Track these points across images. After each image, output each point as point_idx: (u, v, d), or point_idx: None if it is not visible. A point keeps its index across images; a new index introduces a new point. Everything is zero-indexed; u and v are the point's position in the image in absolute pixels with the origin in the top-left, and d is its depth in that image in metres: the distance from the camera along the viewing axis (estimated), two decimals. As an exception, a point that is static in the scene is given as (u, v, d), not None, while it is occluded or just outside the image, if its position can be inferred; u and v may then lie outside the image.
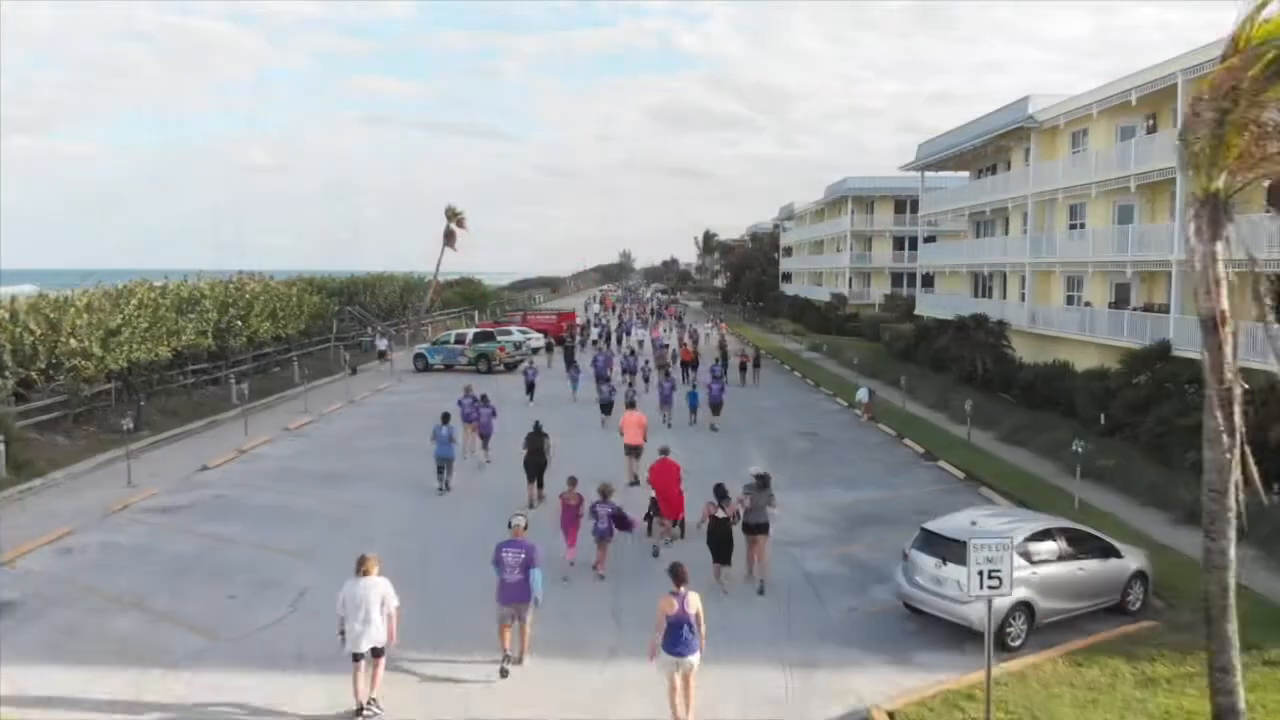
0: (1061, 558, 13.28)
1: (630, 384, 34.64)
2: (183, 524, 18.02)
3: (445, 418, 21.23)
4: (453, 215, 55.17)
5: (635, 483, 20.61)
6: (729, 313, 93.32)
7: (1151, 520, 18.71)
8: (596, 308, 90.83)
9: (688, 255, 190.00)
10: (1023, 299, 41.64)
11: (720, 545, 15.00)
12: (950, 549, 12.70)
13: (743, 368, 42.32)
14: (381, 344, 40.52)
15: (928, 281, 67.67)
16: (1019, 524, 13.59)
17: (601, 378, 34.90)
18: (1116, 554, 14.00)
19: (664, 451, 17.70)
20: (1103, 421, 28.43)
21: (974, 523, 13.31)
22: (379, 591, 10.92)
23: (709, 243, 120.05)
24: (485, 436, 23.61)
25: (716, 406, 29.71)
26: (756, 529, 15.27)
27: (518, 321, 53.34)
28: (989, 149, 44.87)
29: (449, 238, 55.21)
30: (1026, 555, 12.82)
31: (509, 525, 12.33)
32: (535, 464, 19.82)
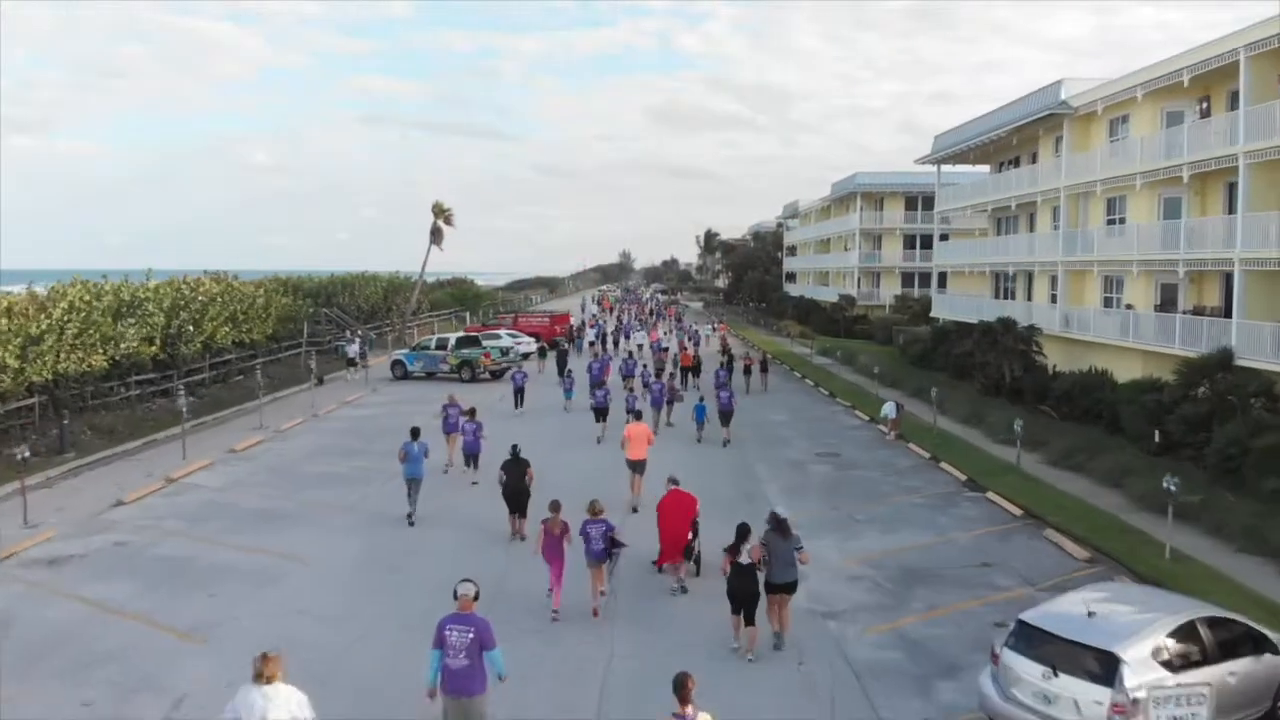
0: (1208, 659, 9.60)
1: (630, 390, 31.18)
2: (66, 583, 14.35)
3: (415, 433, 18.13)
4: (440, 212, 51.50)
5: (632, 507, 18.52)
6: (731, 314, 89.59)
7: (1257, 572, 15.06)
8: (594, 308, 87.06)
9: (688, 255, 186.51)
10: (1053, 301, 38.03)
11: (745, 598, 11.79)
12: (1065, 655, 9.06)
13: (748, 371, 38.81)
14: (351, 350, 36.70)
15: (943, 282, 64.12)
16: (1151, 615, 9.84)
17: (597, 384, 31.42)
18: (1270, 646, 10.33)
19: (674, 482, 14.98)
20: (1157, 439, 24.90)
21: (1091, 612, 9.62)
22: (286, 708, 7.55)
23: (710, 242, 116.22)
24: (472, 456, 20.94)
25: (726, 416, 26.36)
26: (780, 588, 12.02)
27: (507, 325, 49.55)
28: (1015, 139, 41.15)
29: (436, 235, 51.54)
30: (1168, 663, 9.17)
31: (454, 595, 9.04)
32: (516, 493, 16.75)
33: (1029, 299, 41.49)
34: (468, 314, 66.67)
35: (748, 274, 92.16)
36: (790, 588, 12.18)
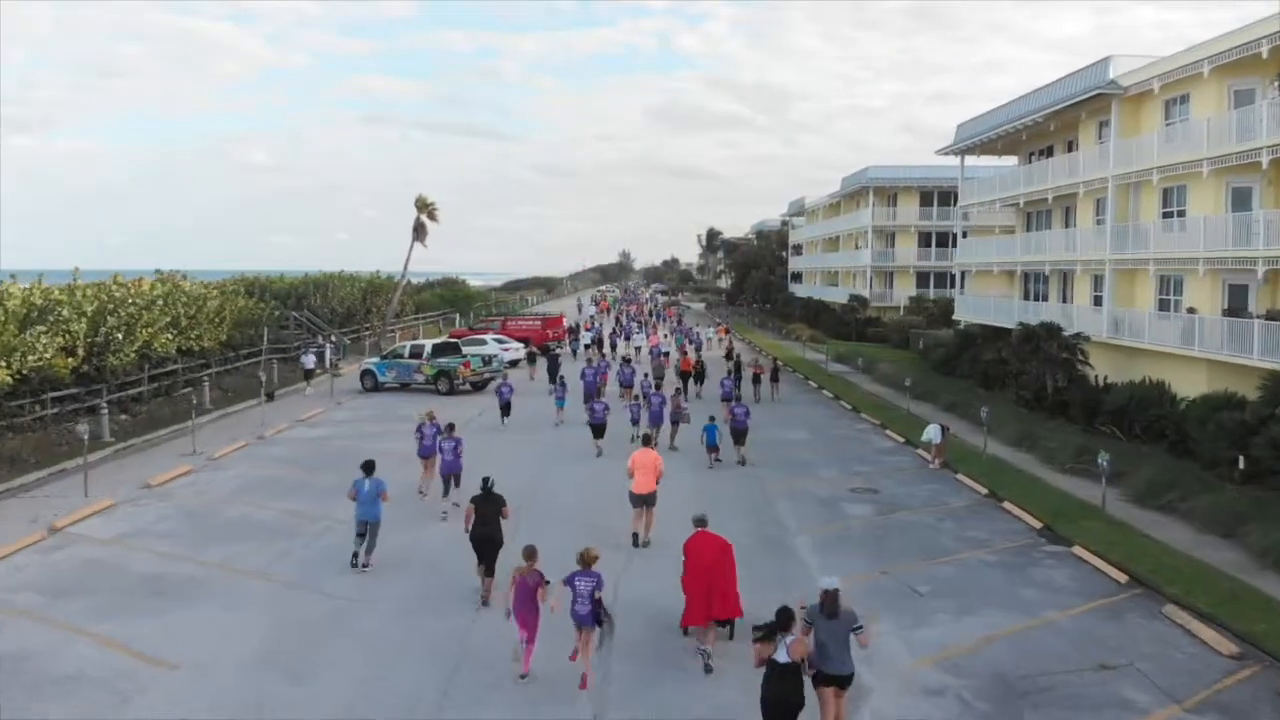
0: None
1: (635, 399, 27.41)
2: None
3: (368, 467, 14.83)
4: (423, 206, 47.33)
5: (640, 543, 16.06)
6: (735, 315, 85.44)
7: None
8: (592, 309, 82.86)
9: (688, 255, 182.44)
10: (1097, 303, 33.98)
11: (784, 709, 8.56)
12: None
13: (757, 380, 34.87)
14: (308, 360, 32.39)
15: (962, 283, 60.15)
16: None
17: (592, 394, 27.74)
18: None
19: (700, 523, 12.30)
20: (1241, 466, 20.86)
21: None
22: None
23: (712, 240, 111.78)
24: (449, 478, 18.08)
25: (740, 435, 22.66)
26: (833, 680, 8.92)
27: (495, 329, 45.37)
28: (1053, 125, 37.00)
29: (419, 231, 47.39)
30: None
31: None
32: (486, 539, 13.24)
33: (1066, 300, 37.45)
34: (457, 316, 62.52)
35: (752, 274, 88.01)
36: (845, 680, 8.90)
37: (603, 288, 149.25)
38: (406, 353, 33.01)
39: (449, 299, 66.46)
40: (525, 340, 43.44)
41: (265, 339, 33.39)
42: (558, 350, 39.85)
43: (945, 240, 62.26)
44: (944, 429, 22.24)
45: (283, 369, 35.29)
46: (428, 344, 33.36)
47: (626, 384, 33.14)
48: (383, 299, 48.77)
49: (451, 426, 18.71)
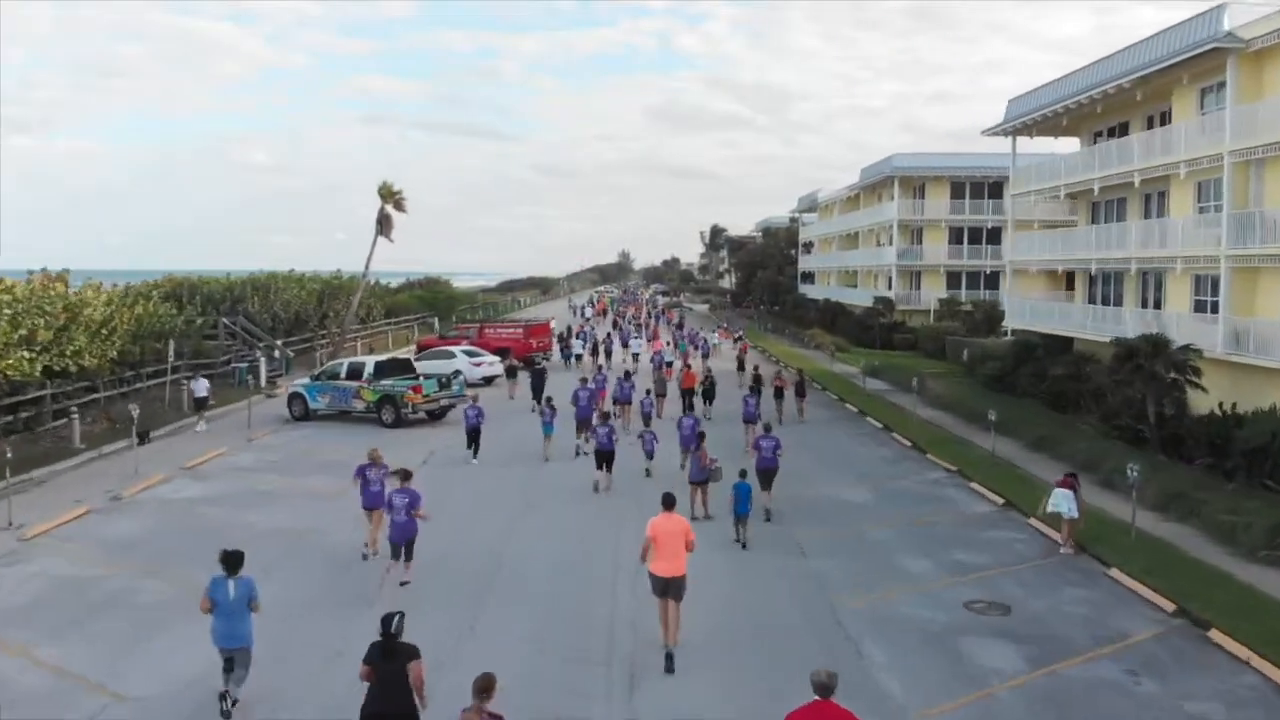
0: None
1: (647, 431, 21.38)
2: None
3: (233, 562, 9.47)
4: (388, 194, 40.29)
5: (670, 668, 10.44)
6: (740, 318, 78.43)
7: None
8: (589, 310, 75.74)
9: (689, 255, 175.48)
10: (1201, 309, 27.27)
11: None
12: None
13: (779, 394, 28.57)
14: (200, 388, 24.94)
15: (994, 283, 53.39)
16: None
17: (587, 419, 22.64)
18: None
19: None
20: None
21: None
22: None
23: (716, 238, 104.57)
24: (399, 546, 13.36)
25: (769, 476, 16.84)
26: None
27: (471, 337, 38.24)
28: (1139, 94, 29.96)
29: (384, 224, 40.35)
30: None
31: None
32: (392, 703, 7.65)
33: (1147, 305, 30.70)
34: (436, 320, 55.51)
35: (758, 273, 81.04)
36: None
37: (600, 288, 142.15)
38: (344, 372, 25.79)
39: (429, 301, 59.45)
40: (504, 351, 36.47)
41: (171, 353, 26.28)
42: (543, 363, 32.94)
43: (978, 236, 55.35)
44: (1076, 495, 15.17)
45: (209, 386, 28.31)
46: (369, 361, 26.22)
47: (622, 400, 26.85)
48: (342, 302, 41.78)
49: (406, 475, 13.55)
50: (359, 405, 25.19)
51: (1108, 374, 26.54)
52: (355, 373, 25.46)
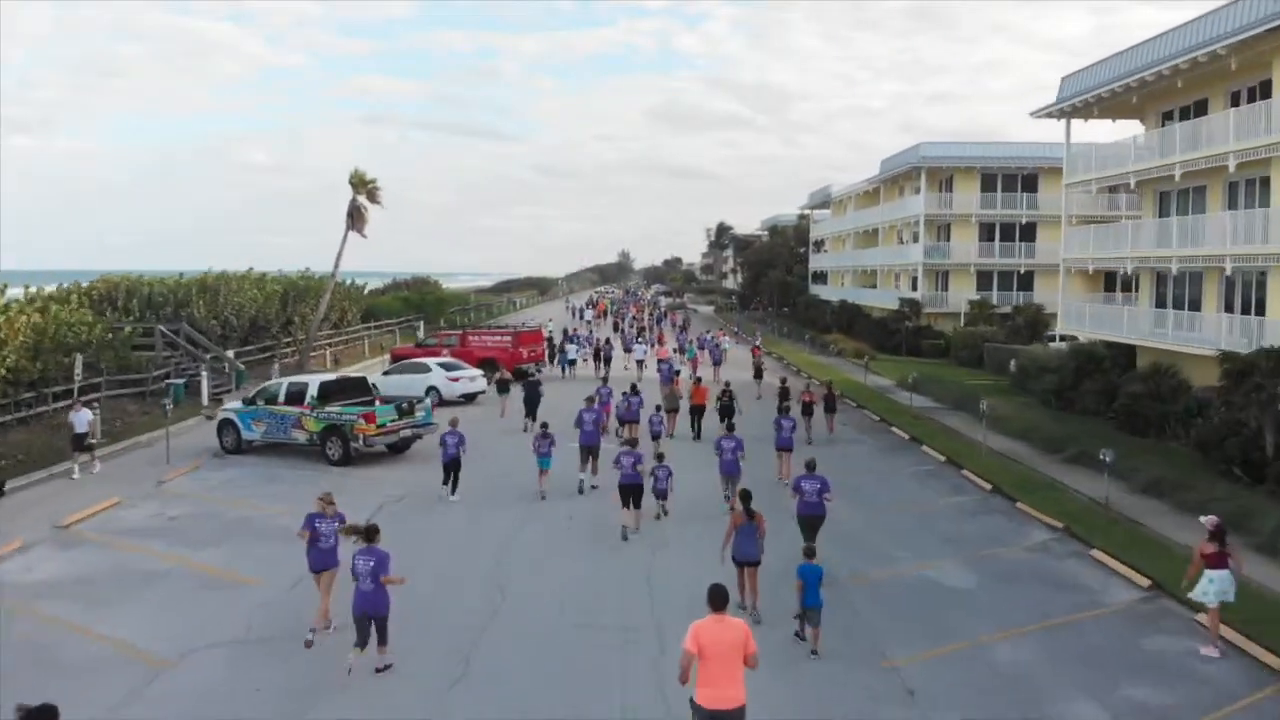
0: None
1: (660, 467, 16.59)
2: None
3: None
4: (360, 184, 35.29)
5: None
6: (748, 321, 73.47)
7: None
8: (589, 312, 70.68)
9: (691, 255, 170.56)
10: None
11: None
12: None
13: (807, 410, 24.07)
14: (81, 420, 18.97)
15: (1028, 283, 48.69)
16: None
17: (591, 449, 18.76)
18: None
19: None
20: None
21: None
22: None
23: (721, 236, 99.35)
24: (366, 622, 9.92)
25: (813, 525, 13.57)
26: None
27: (450, 347, 33.09)
28: (1234, 62, 24.98)
29: (355, 217, 35.34)
30: None
31: None
32: None
33: (1239, 310, 25.85)
34: (421, 324, 50.48)
35: (767, 273, 76.06)
36: None
37: (600, 288, 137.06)
38: (283, 395, 20.55)
39: (414, 303, 54.40)
40: (489, 362, 31.44)
41: (79, 370, 21.20)
42: (537, 374, 27.99)
43: (1010, 233, 50.40)
44: (1231, 576, 10.18)
45: (133, 405, 23.36)
46: (312, 382, 21.07)
47: (629, 418, 22.68)
48: (310, 305, 36.74)
49: (370, 533, 10.25)
50: (300, 436, 20.07)
51: (1219, 395, 21.61)
52: (296, 396, 20.31)
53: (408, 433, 20.02)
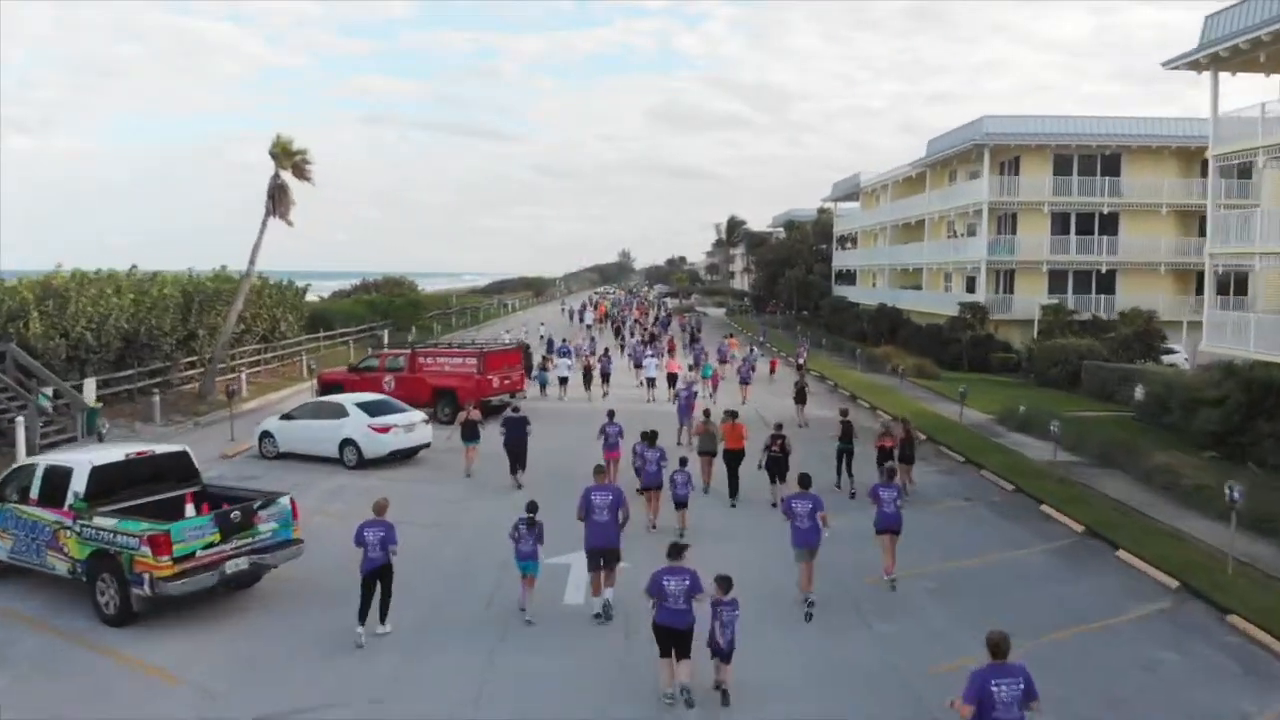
0: None
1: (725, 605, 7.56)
2: None
3: None
4: (285, 152, 26.41)
5: None
6: (767, 327, 64.57)
7: None
8: (589, 315, 61.51)
9: (694, 255, 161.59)
10: None
11: None
12: None
13: (884, 456, 17.28)
14: None
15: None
16: None
17: (609, 554, 11.44)
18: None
19: None
20: None
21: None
22: None
23: (733, 233, 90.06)
24: None
25: None
26: None
27: (396, 371, 23.94)
28: None
29: (277, 197, 26.49)
30: None
31: None
32: None
33: None
34: (386, 334, 41.48)
35: (786, 273, 67.12)
36: None
37: (600, 289, 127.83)
38: (35, 486, 11.49)
39: (381, 306, 45.40)
40: (447, 393, 22.56)
41: None
42: (516, 414, 19.16)
43: (1088, 224, 41.56)
44: None
45: None
46: (80, 464, 11.51)
47: (650, 483, 15.26)
48: (217, 313, 27.59)
49: None
50: (59, 565, 10.97)
51: None
52: (51, 490, 11.30)
53: (244, 565, 10.76)
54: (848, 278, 65.25)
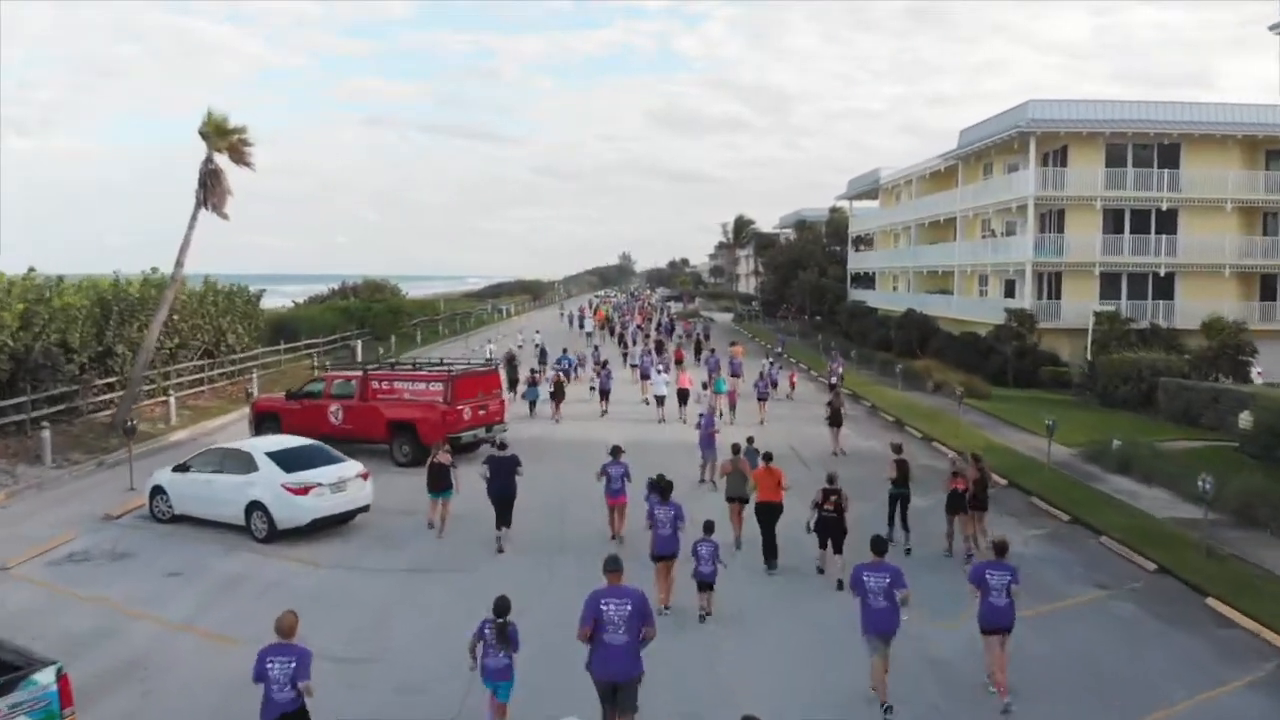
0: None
1: None
2: None
3: None
4: (219, 133, 21.71)
5: None
6: (780, 334, 59.89)
7: None
8: (588, 323, 56.61)
9: (696, 257, 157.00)
10: None
11: None
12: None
13: (956, 502, 14.07)
14: None
15: (1055, 289, 35.67)
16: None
17: (627, 687, 7.49)
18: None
19: None
20: None
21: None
22: None
23: (741, 233, 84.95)
24: None
25: None
26: None
27: (345, 399, 19.05)
28: None
29: (210, 185, 21.79)
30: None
31: None
32: None
33: None
34: (359, 346, 36.73)
35: (798, 275, 62.37)
36: None
37: (600, 292, 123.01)
38: None
39: (358, 314, 40.65)
40: (406, 427, 17.87)
41: None
42: (502, 442, 14.76)
43: (1144, 222, 36.87)
44: None
45: None
46: None
47: (663, 550, 11.47)
48: (135, 324, 22.78)
49: None
50: None
51: None
52: None
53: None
54: (864, 280, 60.57)
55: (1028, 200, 36.66)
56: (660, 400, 26.99)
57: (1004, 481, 17.89)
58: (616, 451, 14.44)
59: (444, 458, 14.23)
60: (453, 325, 54.64)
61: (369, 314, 40.92)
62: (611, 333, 54.56)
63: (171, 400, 22.22)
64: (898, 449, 15.33)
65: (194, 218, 21.77)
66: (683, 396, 27.00)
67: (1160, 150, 36.92)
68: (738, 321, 70.44)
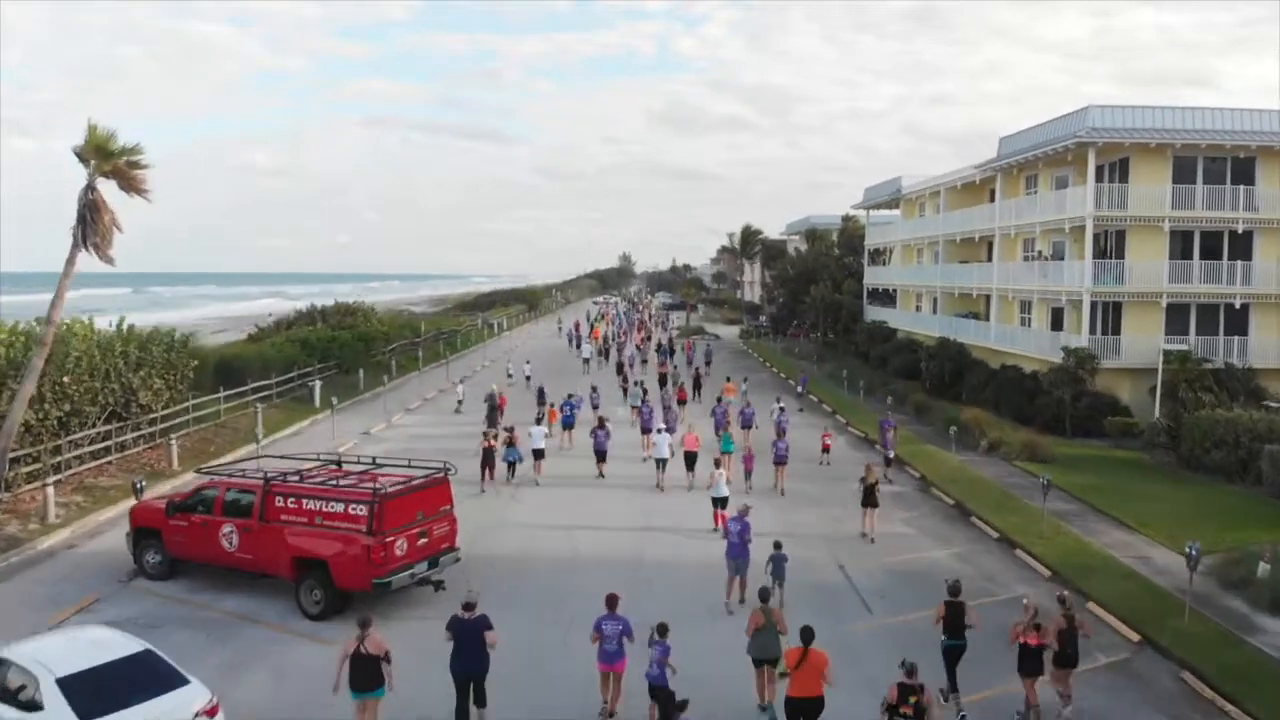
0: None
1: None
2: None
3: None
4: (101, 152, 16.76)
5: None
6: (791, 357, 55.06)
7: None
8: (587, 348, 51.14)
9: (697, 259, 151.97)
10: None
11: None
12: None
13: (1029, 661, 10.32)
14: None
15: (1114, 323, 30.73)
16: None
17: None
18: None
19: None
20: None
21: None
22: None
23: (749, 244, 79.51)
24: None
25: None
26: None
27: (241, 521, 14.13)
28: None
29: (91, 218, 16.86)
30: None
31: None
32: None
33: None
34: (318, 386, 31.78)
35: (811, 289, 57.37)
36: None
37: (600, 298, 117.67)
38: None
39: (321, 345, 35.67)
40: (316, 568, 12.96)
41: None
42: (469, 601, 10.07)
43: (1215, 246, 31.96)
44: None
45: None
46: None
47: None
48: (13, 392, 17.88)
49: None
50: None
51: None
52: None
53: None
54: (881, 297, 55.59)
55: (1085, 219, 31.70)
56: (662, 464, 22.44)
57: (1084, 630, 12.98)
58: (612, 601, 10.68)
59: (373, 645, 9.32)
60: (435, 348, 49.66)
61: (333, 345, 35.95)
62: (607, 356, 49.66)
63: (50, 491, 17.31)
64: (954, 591, 11.18)
65: (70, 261, 16.86)
66: (690, 460, 22.38)
67: (1234, 165, 32.05)
68: (746, 340, 65.44)
